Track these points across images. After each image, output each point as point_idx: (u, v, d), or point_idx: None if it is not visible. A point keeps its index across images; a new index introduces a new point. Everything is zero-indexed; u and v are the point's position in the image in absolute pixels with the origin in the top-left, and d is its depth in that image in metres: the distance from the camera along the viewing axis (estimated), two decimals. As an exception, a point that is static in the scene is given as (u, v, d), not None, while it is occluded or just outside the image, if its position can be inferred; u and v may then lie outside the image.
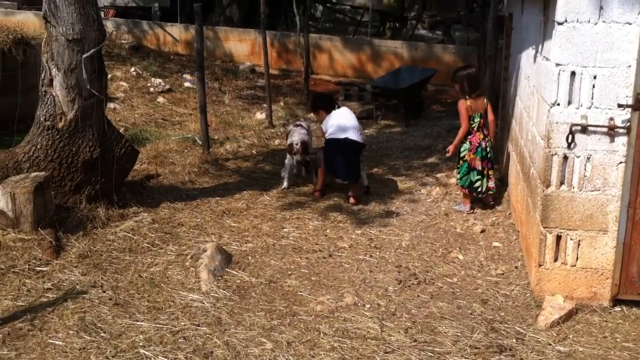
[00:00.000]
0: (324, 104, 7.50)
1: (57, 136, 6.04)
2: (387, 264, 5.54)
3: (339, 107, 7.45)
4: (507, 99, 8.25)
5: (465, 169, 6.76)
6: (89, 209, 6.07)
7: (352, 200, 7.02)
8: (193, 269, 5.21)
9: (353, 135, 7.07)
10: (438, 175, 7.98)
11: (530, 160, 5.46)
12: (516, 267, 5.46)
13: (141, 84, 12.27)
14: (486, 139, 6.78)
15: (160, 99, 11.48)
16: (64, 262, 5.25)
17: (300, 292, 4.97)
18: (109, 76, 11.78)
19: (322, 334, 4.33)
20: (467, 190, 6.79)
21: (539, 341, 4.31)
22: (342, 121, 7.18)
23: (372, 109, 11.78)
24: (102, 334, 4.26)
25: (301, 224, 6.39)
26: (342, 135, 7.06)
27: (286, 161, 7.60)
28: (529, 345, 4.27)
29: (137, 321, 4.43)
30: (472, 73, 6.83)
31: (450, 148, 6.87)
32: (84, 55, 5.96)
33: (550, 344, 4.28)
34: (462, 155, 6.79)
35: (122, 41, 16.10)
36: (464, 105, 6.71)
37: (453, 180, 7.54)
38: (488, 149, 6.78)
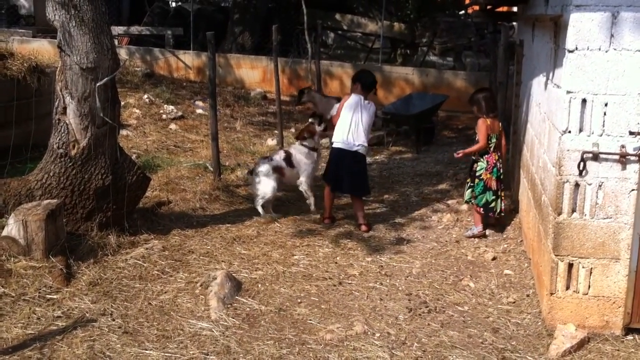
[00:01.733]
0: (368, 80, 7.12)
1: (70, 164, 6.08)
2: (398, 291, 5.51)
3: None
4: (518, 126, 8.24)
5: (481, 187, 6.79)
6: (100, 236, 6.09)
7: (363, 228, 6.97)
8: (203, 297, 5.20)
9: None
10: (449, 202, 7.95)
11: (542, 187, 5.43)
12: (528, 295, 5.41)
13: (154, 111, 12.37)
14: (500, 160, 6.83)
15: (173, 126, 11.56)
16: (75, 290, 5.25)
17: (310, 320, 4.95)
18: (122, 103, 11.87)
19: (331, 364, 4.30)
20: (482, 209, 6.78)
21: (551, 371, 4.26)
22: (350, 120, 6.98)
23: (383, 135, 11.79)
24: (111, 363, 4.25)
25: (311, 251, 6.38)
26: (339, 140, 7.06)
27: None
28: (541, 375, 4.22)
29: (146, 350, 4.42)
30: (489, 94, 7.07)
31: (462, 152, 6.92)
32: (98, 84, 6.02)
33: (562, 374, 4.22)
34: (478, 174, 6.82)
35: (136, 68, 16.27)
36: (484, 123, 6.81)
37: (464, 207, 7.51)
38: (501, 170, 6.89)
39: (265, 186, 7.26)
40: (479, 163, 6.83)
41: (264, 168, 7.31)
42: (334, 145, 7.07)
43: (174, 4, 23.08)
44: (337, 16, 18.99)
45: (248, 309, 5.11)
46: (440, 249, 6.53)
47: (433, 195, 8.37)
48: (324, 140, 8.97)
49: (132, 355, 4.34)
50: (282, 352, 4.44)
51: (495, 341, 4.66)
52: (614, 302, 4.70)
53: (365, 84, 7.02)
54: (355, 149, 6.92)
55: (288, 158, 7.45)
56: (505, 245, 6.55)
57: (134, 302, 5.13)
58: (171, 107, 12.62)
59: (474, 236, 6.74)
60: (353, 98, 6.97)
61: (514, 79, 9.25)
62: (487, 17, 13.06)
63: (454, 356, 4.42)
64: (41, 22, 18.87)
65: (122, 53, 17.00)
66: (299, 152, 7.52)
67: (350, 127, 6.90)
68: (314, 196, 7.58)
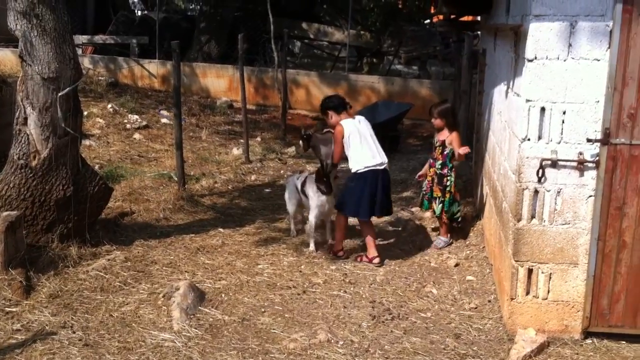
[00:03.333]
0: (334, 103, 6.52)
1: (31, 175, 5.99)
2: (361, 299, 5.52)
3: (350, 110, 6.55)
4: (481, 134, 8.34)
5: (450, 200, 6.81)
6: (61, 247, 6.00)
7: (377, 260, 6.32)
8: (165, 308, 5.15)
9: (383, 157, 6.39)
10: (413, 209, 8.00)
11: (503, 194, 5.51)
12: (489, 301, 5.47)
13: (118, 121, 12.25)
14: None
15: (137, 135, 11.46)
16: (34, 303, 5.17)
17: (274, 329, 4.93)
18: (85, 113, 11.79)
19: (294, 373, 4.29)
20: (449, 220, 6.83)
21: (512, 376, 4.31)
22: (369, 139, 6.35)
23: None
24: (70, 376, 4.19)
25: (276, 260, 6.37)
26: (373, 163, 6.27)
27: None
28: (501, 380, 4.27)
29: (107, 362, 4.37)
30: (452, 106, 7.12)
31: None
32: (60, 94, 5.94)
33: (522, 379, 4.27)
34: (448, 188, 6.82)
35: (100, 78, 16.10)
36: (459, 136, 6.81)
37: (428, 214, 7.56)
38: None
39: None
40: (449, 177, 6.83)
41: None
42: (362, 170, 6.24)
43: (139, 13, 22.92)
44: (304, 25, 19.04)
45: (211, 319, 5.08)
46: (404, 256, 6.57)
47: (397, 202, 8.41)
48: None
49: (92, 368, 4.29)
50: (245, 362, 4.42)
51: (457, 347, 4.70)
52: (572, 307, 4.78)
53: (338, 106, 6.48)
54: (385, 166, 6.35)
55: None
56: (468, 252, 6.62)
57: (94, 314, 5.06)
58: (135, 116, 12.52)
59: (446, 246, 6.77)
60: (348, 124, 6.31)
61: (477, 88, 9.38)
62: (451, 27, 13.23)
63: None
64: (2, 31, 18.58)
65: (86, 62, 16.84)
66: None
67: (371, 147, 6.32)
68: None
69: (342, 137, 6.25)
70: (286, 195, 7.09)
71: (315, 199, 6.56)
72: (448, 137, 6.78)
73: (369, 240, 6.35)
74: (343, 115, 6.44)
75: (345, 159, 6.43)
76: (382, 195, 6.33)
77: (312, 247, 6.63)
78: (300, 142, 6.55)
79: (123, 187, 8.28)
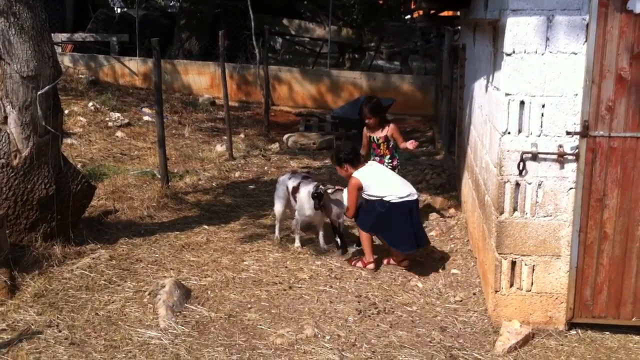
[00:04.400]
0: (352, 157, 6.27)
1: (12, 174, 5.95)
2: (347, 294, 5.55)
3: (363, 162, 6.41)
4: (462, 128, 8.39)
5: None
6: (45, 247, 5.98)
7: (405, 262, 6.19)
8: (151, 306, 5.15)
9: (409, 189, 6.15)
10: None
11: (485, 188, 5.56)
12: (474, 294, 5.53)
13: (99, 119, 12.18)
14: None
15: (119, 134, 11.41)
16: (19, 302, 5.15)
17: (260, 325, 4.95)
18: (66, 111, 11.72)
19: (281, 368, 4.31)
20: None
21: (497, 367, 4.37)
22: (387, 178, 6.23)
23: (332, 139, 11.87)
24: (57, 375, 4.18)
25: (261, 256, 6.38)
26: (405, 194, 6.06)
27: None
28: (487, 371, 4.32)
29: (94, 360, 4.36)
30: (379, 100, 7.24)
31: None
32: (39, 92, 5.91)
33: (507, 370, 4.33)
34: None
35: (80, 76, 16.00)
36: (396, 126, 7.04)
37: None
38: None
39: None
40: (398, 167, 7.11)
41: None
42: (393, 201, 5.98)
43: (118, 10, 22.75)
44: (285, 21, 19.03)
45: (197, 316, 5.09)
46: (388, 251, 6.59)
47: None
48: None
49: (79, 367, 4.28)
50: (232, 358, 4.44)
51: (442, 340, 4.75)
52: (556, 298, 4.84)
53: (354, 159, 6.24)
54: (416, 196, 6.14)
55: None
56: (452, 245, 6.68)
57: (80, 312, 5.05)
58: (117, 114, 12.45)
59: None
60: (361, 173, 6.13)
61: (458, 82, 9.43)
62: (431, 22, 13.26)
63: (403, 356, 4.48)
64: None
65: (66, 60, 16.71)
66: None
67: (395, 180, 6.21)
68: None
69: (359, 189, 6.05)
70: (275, 194, 6.97)
71: (305, 209, 6.45)
72: (388, 131, 6.94)
73: (367, 243, 6.16)
74: (359, 166, 6.23)
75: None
76: (418, 226, 6.16)
77: (297, 243, 6.64)
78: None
79: (106, 185, 8.25)
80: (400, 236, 5.98)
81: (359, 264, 6.17)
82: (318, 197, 5.75)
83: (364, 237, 6.15)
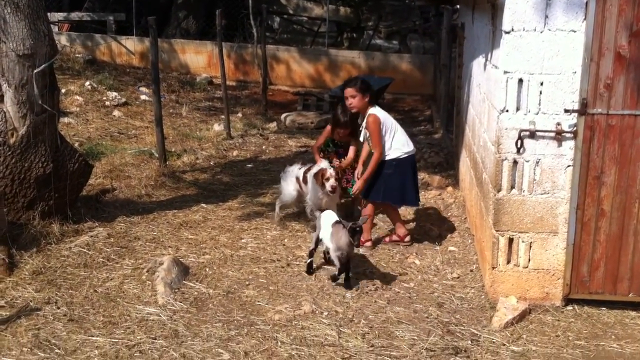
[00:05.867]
0: (373, 93, 6.06)
1: (9, 152, 5.94)
2: (345, 271, 5.57)
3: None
4: (460, 106, 8.38)
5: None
6: (43, 225, 5.98)
7: (408, 238, 6.20)
8: (149, 283, 5.16)
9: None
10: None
11: (483, 166, 5.56)
12: (471, 271, 5.55)
13: (96, 98, 12.14)
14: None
15: (116, 113, 11.38)
16: (18, 280, 5.16)
17: (258, 301, 4.97)
18: (63, 90, 11.68)
19: (279, 343, 4.33)
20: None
21: (494, 342, 4.39)
22: (399, 128, 6.09)
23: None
24: (56, 351, 4.20)
25: (259, 234, 6.39)
26: (410, 148, 6.08)
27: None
28: (483, 346, 4.34)
29: (92, 336, 4.38)
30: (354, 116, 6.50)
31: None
32: (35, 71, 5.88)
33: (504, 344, 4.36)
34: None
35: (77, 55, 15.91)
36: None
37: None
38: None
39: None
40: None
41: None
42: (403, 157, 6.00)
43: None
44: (283, 0, 18.91)
45: (196, 292, 5.11)
46: (387, 228, 6.62)
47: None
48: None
49: (78, 342, 4.30)
50: (230, 334, 4.46)
51: (440, 315, 4.78)
52: (553, 274, 4.86)
53: (373, 97, 6.07)
54: (414, 149, 6.21)
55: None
56: (450, 223, 6.69)
57: (79, 289, 5.07)
58: (114, 93, 12.42)
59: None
60: (379, 111, 6.00)
61: (457, 61, 9.41)
62: (430, 0, 13.19)
63: (400, 331, 4.50)
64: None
65: (63, 39, 16.60)
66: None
67: (404, 133, 6.13)
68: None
69: (379, 126, 5.89)
70: (282, 185, 6.78)
71: (312, 191, 6.38)
72: (351, 149, 6.68)
73: (400, 220, 6.24)
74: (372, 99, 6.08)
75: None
76: (415, 183, 6.24)
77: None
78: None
79: (103, 164, 8.24)
80: (408, 191, 6.06)
81: (394, 237, 6.22)
82: (354, 233, 4.97)
83: (394, 213, 6.21)
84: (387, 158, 5.97)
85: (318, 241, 5.44)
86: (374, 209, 6.20)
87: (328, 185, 6.15)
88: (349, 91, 5.97)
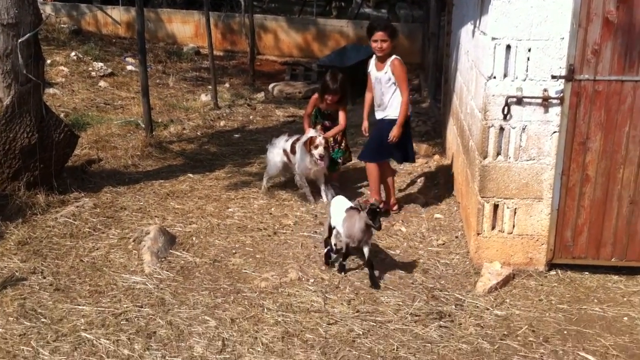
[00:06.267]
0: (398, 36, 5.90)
1: (-7, 122, 5.90)
2: (332, 239, 5.59)
3: None
4: (449, 75, 8.35)
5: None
6: (28, 195, 5.96)
7: (396, 207, 6.25)
8: (136, 252, 5.16)
9: None
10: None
11: (469, 133, 5.55)
12: (456, 237, 5.58)
13: (82, 69, 12.03)
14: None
15: (102, 83, 11.28)
16: (3, 250, 5.15)
17: (245, 270, 4.98)
18: (49, 61, 11.55)
19: (266, 310, 4.35)
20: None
21: (477, 306, 4.43)
22: None
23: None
24: (42, 320, 4.20)
25: (246, 203, 6.39)
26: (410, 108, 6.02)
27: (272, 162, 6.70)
28: (467, 310, 4.38)
29: (79, 305, 4.38)
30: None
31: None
32: (20, 40, 5.82)
33: (488, 309, 4.39)
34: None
35: (62, 25, 15.72)
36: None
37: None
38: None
39: None
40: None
41: None
42: (392, 118, 5.95)
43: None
44: (270, -31, 18.70)
45: (182, 261, 5.11)
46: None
47: (367, 145, 8.45)
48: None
49: (65, 311, 4.30)
50: (217, 301, 4.47)
51: (425, 281, 4.81)
52: (537, 240, 4.89)
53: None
54: None
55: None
56: (436, 191, 6.70)
57: (65, 259, 5.06)
58: (100, 64, 12.30)
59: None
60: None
61: (445, 29, 9.35)
62: (418, -32, 13.05)
63: (385, 297, 4.53)
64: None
65: (48, 9, 16.39)
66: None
67: None
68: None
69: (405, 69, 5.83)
70: (269, 157, 6.77)
71: (301, 161, 6.36)
72: (341, 116, 6.67)
73: (392, 188, 6.25)
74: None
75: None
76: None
77: (309, 197, 6.44)
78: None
79: (89, 134, 8.19)
80: (410, 149, 6.05)
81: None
82: (375, 214, 4.58)
83: (373, 177, 6.12)
84: (394, 117, 5.88)
85: (331, 229, 5.08)
86: (378, 170, 6.12)
87: (316, 153, 6.15)
88: (380, 35, 5.82)
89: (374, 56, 6.01)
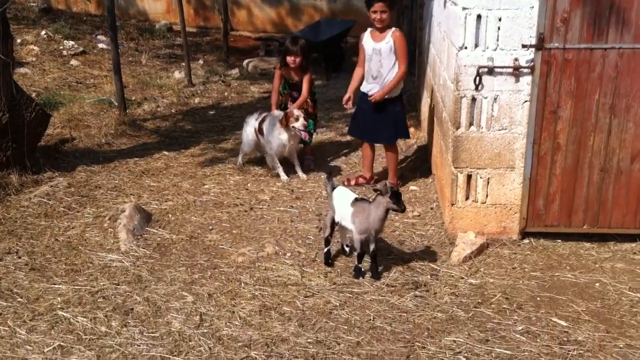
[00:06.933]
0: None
1: (-38, 103, 5.81)
2: (308, 213, 5.61)
3: None
4: (422, 47, 8.36)
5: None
6: (1, 176, 5.91)
7: (373, 181, 6.20)
8: (111, 230, 5.15)
9: None
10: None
11: (443, 104, 5.58)
12: (431, 208, 5.63)
13: (53, 47, 11.84)
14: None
15: (74, 62, 11.12)
16: (-24, 231, 5.11)
17: (222, 245, 5.00)
18: (19, 40, 11.37)
19: (243, 284, 4.38)
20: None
21: (452, 276, 4.49)
22: None
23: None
24: (18, 299, 4.19)
25: (222, 179, 6.38)
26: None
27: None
28: (442, 280, 4.44)
29: (55, 284, 4.37)
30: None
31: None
32: (-14, 18, 5.72)
33: (462, 278, 4.46)
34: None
35: (31, 4, 15.44)
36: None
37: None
38: None
39: None
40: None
41: None
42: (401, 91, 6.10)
43: None
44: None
45: (159, 238, 5.11)
46: (349, 170, 6.66)
47: (342, 119, 8.46)
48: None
49: (41, 290, 4.29)
50: (194, 277, 4.48)
51: (400, 252, 4.85)
52: (510, 209, 4.95)
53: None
54: None
55: None
56: (412, 164, 6.74)
57: (40, 239, 5.04)
58: (71, 42, 12.12)
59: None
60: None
61: (418, 1, 9.33)
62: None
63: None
64: None
65: (15, -13, 16.06)
66: None
67: None
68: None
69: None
70: (243, 134, 6.77)
71: (275, 140, 6.34)
72: (305, 79, 6.65)
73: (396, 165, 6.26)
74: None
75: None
76: None
77: (283, 176, 6.41)
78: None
79: (62, 113, 8.10)
80: (404, 122, 6.09)
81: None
82: (398, 197, 4.29)
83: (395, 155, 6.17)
84: (395, 95, 5.93)
85: (334, 224, 4.67)
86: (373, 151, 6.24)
87: (298, 125, 6.17)
88: (380, 6, 5.74)
89: (368, 29, 5.99)
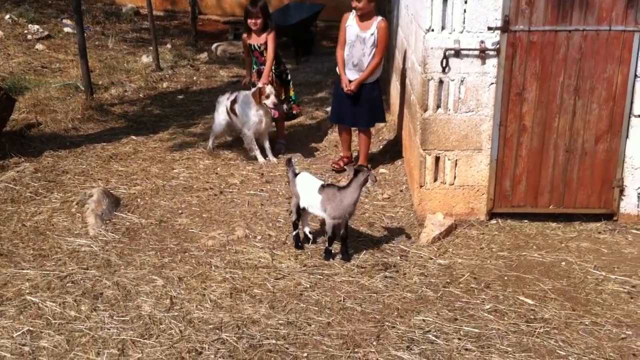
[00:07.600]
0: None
1: None
2: (278, 196, 5.62)
3: None
4: (391, 30, 8.35)
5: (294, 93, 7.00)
6: (-35, 161, 5.82)
7: (350, 164, 5.90)
8: (79, 215, 5.11)
9: None
10: (328, 108, 8.04)
11: (411, 87, 5.62)
12: (401, 191, 5.68)
13: (17, 32, 11.61)
14: None
15: (39, 46, 10.93)
16: (-59, 218, 5.03)
17: (192, 229, 4.99)
18: (-20, 24, 11.12)
19: (213, 267, 4.39)
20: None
21: (421, 256, 4.55)
22: None
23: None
24: (-15, 286, 4.15)
25: (192, 164, 6.35)
26: None
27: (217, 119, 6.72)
28: (411, 260, 4.49)
29: (23, 269, 4.34)
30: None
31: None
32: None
33: (431, 258, 4.52)
34: (290, 80, 6.96)
35: (-6, -13, 15.08)
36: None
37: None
38: None
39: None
40: (286, 72, 6.92)
41: None
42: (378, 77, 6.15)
43: None
44: None
45: (128, 223, 5.08)
46: (319, 154, 6.68)
47: (312, 103, 8.47)
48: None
49: (9, 276, 4.25)
50: (164, 261, 4.48)
51: (370, 234, 4.90)
52: (477, 190, 5.02)
53: None
54: None
55: None
56: (381, 147, 6.78)
57: (6, 225, 4.98)
58: (36, 26, 11.89)
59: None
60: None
61: (387, -15, 9.32)
62: None
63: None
64: None
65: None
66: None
67: None
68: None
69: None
70: (215, 116, 6.76)
71: (252, 117, 6.34)
72: (268, 37, 6.53)
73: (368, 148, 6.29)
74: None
75: None
76: None
77: (260, 158, 6.43)
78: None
79: (27, 98, 7.98)
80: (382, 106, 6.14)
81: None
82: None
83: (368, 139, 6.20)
84: (373, 80, 5.96)
85: (299, 210, 4.65)
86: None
87: (269, 102, 6.17)
88: None
89: (353, 11, 5.89)
